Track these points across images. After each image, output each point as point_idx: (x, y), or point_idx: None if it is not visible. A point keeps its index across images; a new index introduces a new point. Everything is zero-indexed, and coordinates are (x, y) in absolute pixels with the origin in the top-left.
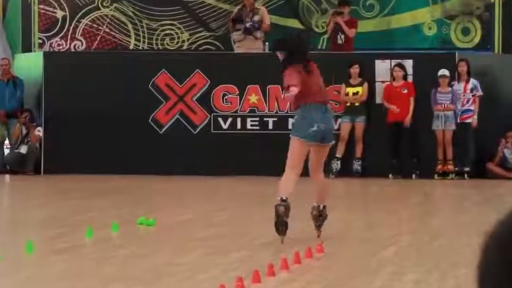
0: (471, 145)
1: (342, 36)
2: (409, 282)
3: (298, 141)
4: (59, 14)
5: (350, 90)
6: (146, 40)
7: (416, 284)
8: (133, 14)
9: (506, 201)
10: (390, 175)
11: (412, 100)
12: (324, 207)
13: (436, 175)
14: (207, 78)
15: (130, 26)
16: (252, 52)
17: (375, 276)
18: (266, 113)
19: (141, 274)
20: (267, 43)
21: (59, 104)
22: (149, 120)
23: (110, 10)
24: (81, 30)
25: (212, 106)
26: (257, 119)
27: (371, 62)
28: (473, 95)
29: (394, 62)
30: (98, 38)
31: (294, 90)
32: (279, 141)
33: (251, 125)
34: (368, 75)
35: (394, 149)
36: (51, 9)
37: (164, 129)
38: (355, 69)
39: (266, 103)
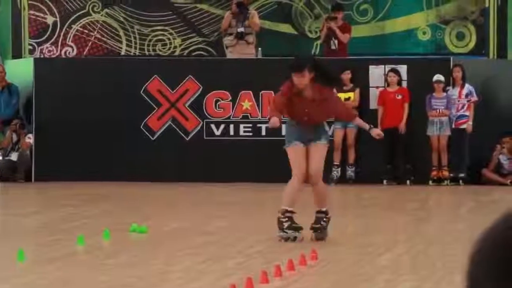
0: (466, 151)
1: (336, 42)
2: None
3: (291, 148)
4: (50, 19)
5: (342, 96)
6: (138, 46)
7: None
8: (125, 20)
9: (501, 207)
10: (385, 181)
11: (406, 106)
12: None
13: (430, 181)
14: (199, 84)
15: (121, 32)
16: (244, 57)
17: (370, 284)
18: (259, 119)
19: (134, 282)
20: (259, 48)
21: (50, 110)
22: (141, 127)
23: (101, 15)
24: (72, 36)
25: (205, 112)
26: (250, 125)
27: (365, 67)
28: (468, 101)
29: (388, 67)
30: (89, 44)
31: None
32: (272, 147)
33: (244, 132)
34: (362, 81)
35: (389, 155)
36: (41, 14)
37: (156, 136)
38: (346, 75)
39: (259, 109)
